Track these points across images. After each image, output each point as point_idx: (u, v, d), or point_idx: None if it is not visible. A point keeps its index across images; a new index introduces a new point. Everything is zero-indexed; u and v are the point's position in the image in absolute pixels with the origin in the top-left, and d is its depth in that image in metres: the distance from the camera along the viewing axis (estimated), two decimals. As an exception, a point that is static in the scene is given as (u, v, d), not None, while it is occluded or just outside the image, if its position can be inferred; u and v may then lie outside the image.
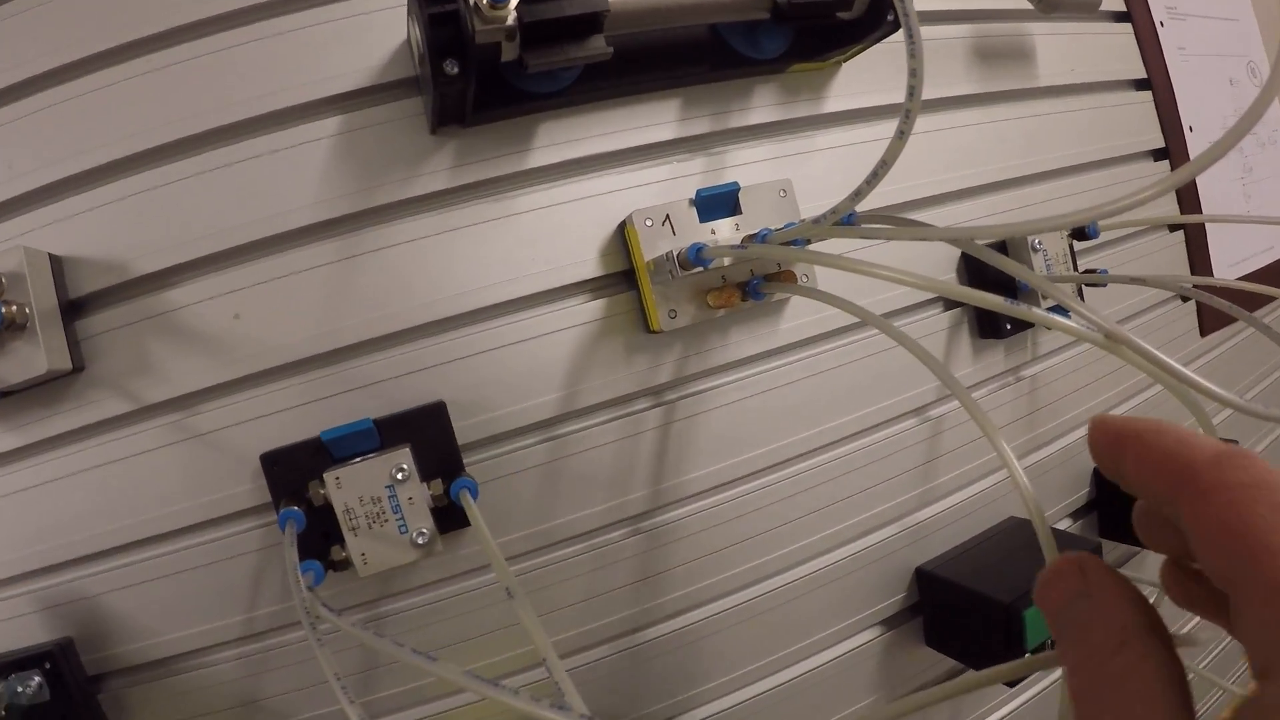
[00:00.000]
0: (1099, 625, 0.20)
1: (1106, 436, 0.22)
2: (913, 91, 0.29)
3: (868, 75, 0.56)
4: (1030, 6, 0.61)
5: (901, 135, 0.30)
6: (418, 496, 0.43)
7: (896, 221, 0.44)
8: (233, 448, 0.46)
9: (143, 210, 0.46)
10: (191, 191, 0.46)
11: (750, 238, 0.45)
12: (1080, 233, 0.63)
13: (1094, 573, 0.21)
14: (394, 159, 0.46)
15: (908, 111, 0.29)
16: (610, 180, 0.49)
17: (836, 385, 0.54)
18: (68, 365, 0.45)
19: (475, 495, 0.43)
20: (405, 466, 0.43)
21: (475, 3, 0.40)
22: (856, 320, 0.51)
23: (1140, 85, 0.74)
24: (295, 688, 0.47)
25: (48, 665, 0.43)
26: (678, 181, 0.50)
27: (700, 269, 0.45)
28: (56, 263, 0.46)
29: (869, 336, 0.54)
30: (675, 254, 0.45)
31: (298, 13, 0.47)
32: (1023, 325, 0.60)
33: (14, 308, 0.42)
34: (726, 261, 0.46)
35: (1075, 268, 0.62)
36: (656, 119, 0.50)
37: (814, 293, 0.44)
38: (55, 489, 0.46)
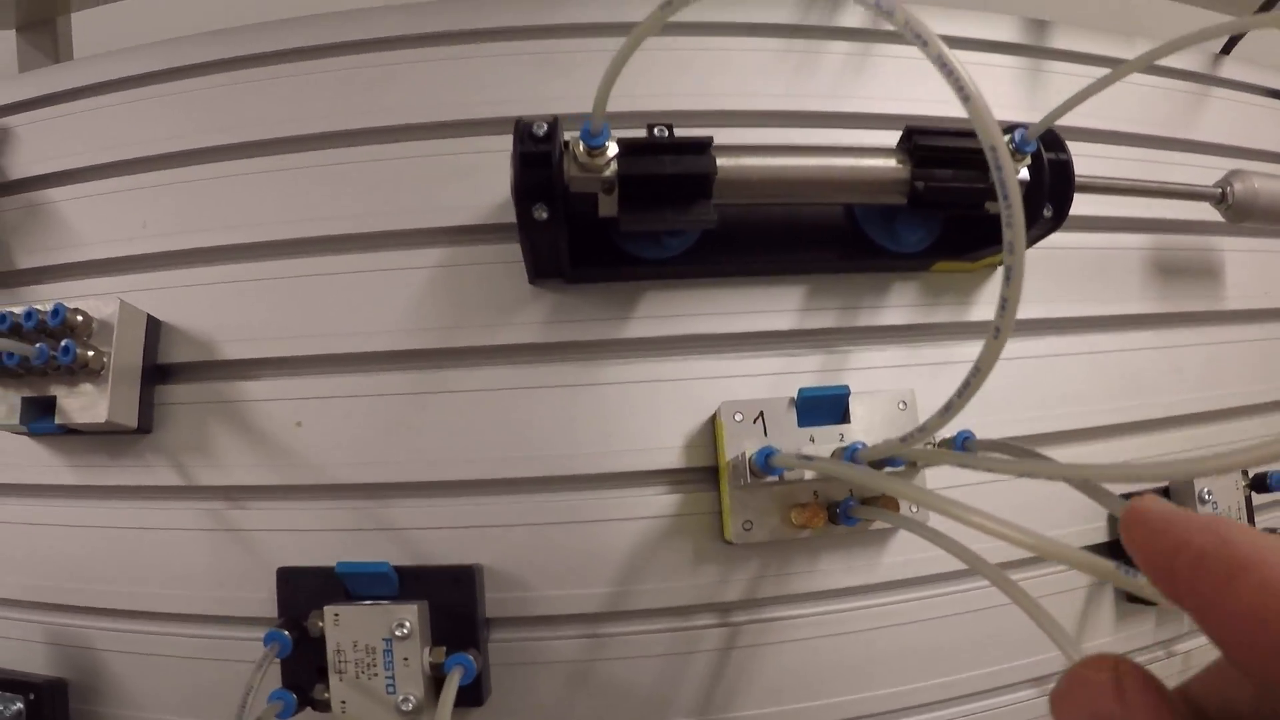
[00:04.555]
0: None
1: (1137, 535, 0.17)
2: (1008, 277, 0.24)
3: (1031, 280, 0.49)
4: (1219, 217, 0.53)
5: (997, 333, 0.25)
6: (415, 659, 0.40)
7: (1015, 452, 0.39)
8: (261, 552, 0.46)
9: (245, 298, 0.48)
10: (292, 291, 0.48)
11: (842, 450, 0.41)
12: (1260, 483, 0.52)
13: (1133, 687, 0.16)
14: (487, 303, 0.46)
15: (1004, 301, 0.24)
16: (713, 364, 0.47)
17: (943, 637, 0.47)
18: (132, 424, 0.47)
19: (470, 677, 0.40)
20: (408, 624, 0.40)
21: (573, 149, 0.39)
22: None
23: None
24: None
25: (32, 696, 0.45)
26: (787, 377, 0.46)
27: (774, 479, 0.40)
28: (154, 325, 0.49)
29: (988, 585, 0.46)
30: (748, 458, 0.41)
31: (427, 140, 0.49)
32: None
33: (92, 353, 0.45)
34: (808, 475, 0.40)
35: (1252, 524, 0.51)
36: (775, 305, 0.47)
37: (916, 526, 0.38)
38: (94, 535, 0.48)
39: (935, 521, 0.43)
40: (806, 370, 0.46)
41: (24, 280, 0.52)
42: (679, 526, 0.44)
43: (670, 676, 0.44)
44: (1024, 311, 0.49)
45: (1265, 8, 0.59)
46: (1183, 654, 0.52)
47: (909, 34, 0.24)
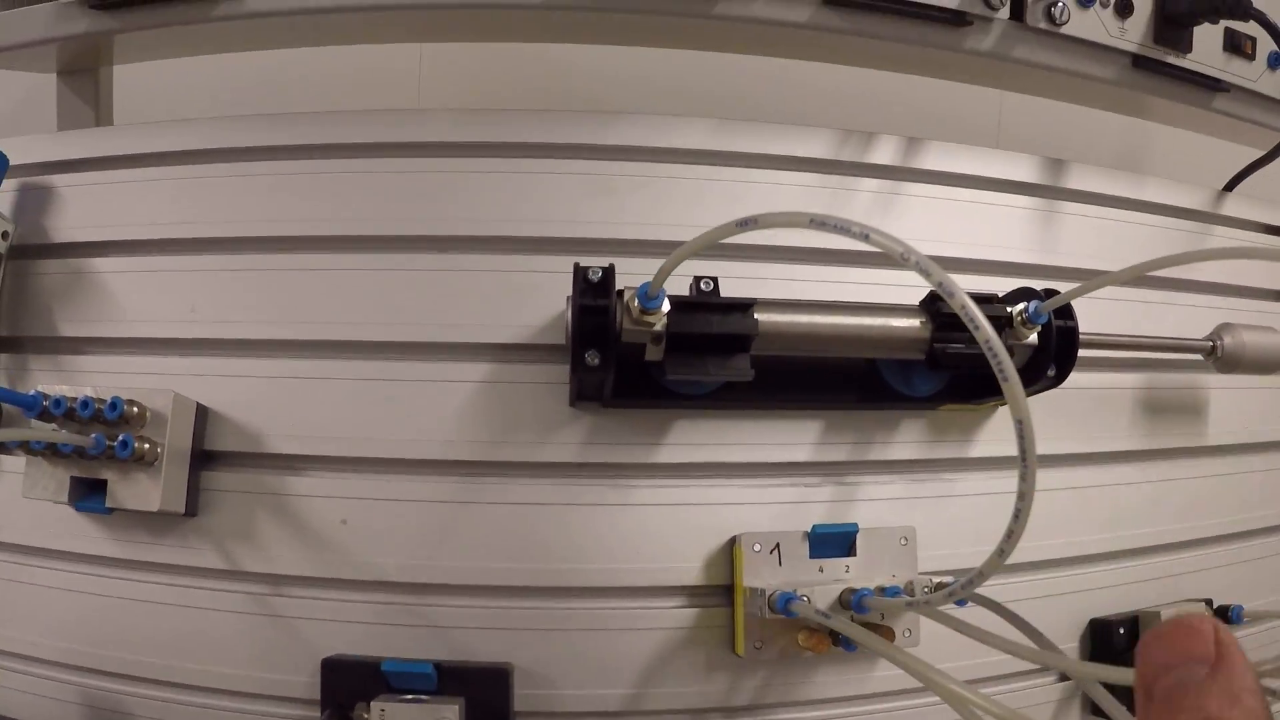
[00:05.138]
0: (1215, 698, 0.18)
1: None
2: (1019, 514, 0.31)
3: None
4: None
5: (1001, 554, 0.32)
6: (454, 755, 0.44)
7: (1004, 614, 0.44)
8: (302, 638, 0.49)
9: (294, 394, 0.51)
10: (341, 392, 0.51)
11: (851, 592, 0.46)
12: (1224, 615, 0.59)
13: (1228, 650, 0.19)
14: (530, 421, 0.50)
15: (1010, 533, 0.32)
16: (735, 492, 0.51)
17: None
18: (180, 509, 0.50)
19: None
20: (448, 721, 0.44)
21: (628, 303, 0.43)
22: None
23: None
24: None
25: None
26: (801, 506, 0.51)
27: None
28: (203, 412, 0.51)
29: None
30: (767, 595, 0.46)
31: (480, 254, 0.51)
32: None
33: (148, 445, 0.48)
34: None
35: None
36: (794, 438, 0.52)
37: (902, 661, 0.42)
38: (135, 607, 0.51)
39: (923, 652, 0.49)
40: (819, 500, 0.51)
41: (65, 349, 0.54)
42: (694, 638, 0.49)
43: (681, 771, 0.49)
44: (999, 448, 0.55)
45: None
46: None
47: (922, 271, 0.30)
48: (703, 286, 0.45)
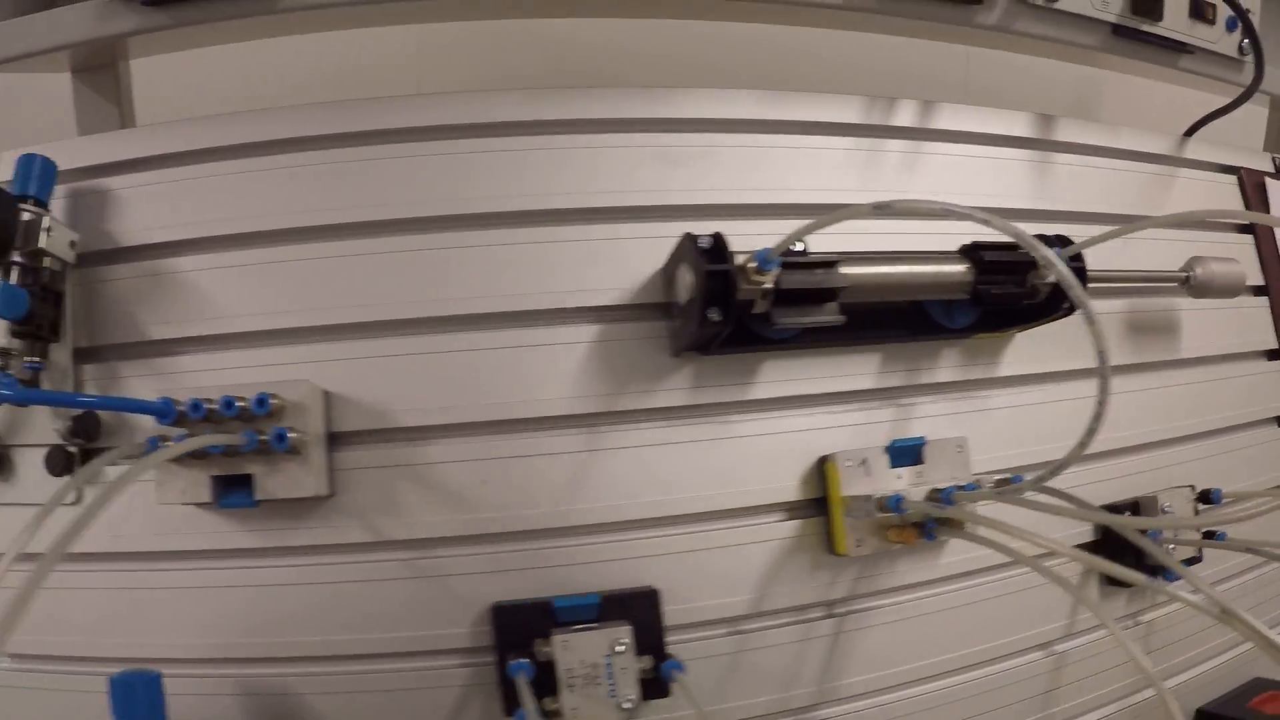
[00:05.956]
0: None
1: None
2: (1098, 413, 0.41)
3: (1040, 343, 0.66)
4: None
5: (1082, 445, 0.42)
6: (630, 668, 0.52)
7: (1056, 494, 0.56)
8: (458, 593, 0.55)
9: (414, 370, 0.56)
10: (460, 364, 0.56)
11: (936, 491, 0.57)
12: (1206, 497, 0.74)
13: None
14: (639, 372, 0.57)
15: (1090, 430, 0.41)
16: (815, 418, 0.60)
17: (981, 615, 0.64)
18: (325, 491, 0.54)
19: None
20: (625, 642, 0.52)
21: (744, 266, 0.50)
22: (1006, 560, 0.59)
23: (1273, 355, 0.83)
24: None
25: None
26: (868, 427, 0.61)
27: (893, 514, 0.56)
28: (327, 397, 0.55)
29: (1013, 575, 0.64)
30: (876, 498, 0.55)
31: (572, 225, 0.58)
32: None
33: (296, 435, 0.52)
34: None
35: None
36: (859, 369, 0.62)
37: (980, 539, 0.55)
38: (284, 591, 0.55)
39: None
40: (882, 421, 0.61)
41: (156, 352, 0.56)
42: (798, 545, 0.59)
43: (795, 658, 0.59)
44: (1037, 366, 0.67)
45: (1247, 93, 0.76)
46: (1146, 622, 0.71)
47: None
48: (795, 247, 0.53)
